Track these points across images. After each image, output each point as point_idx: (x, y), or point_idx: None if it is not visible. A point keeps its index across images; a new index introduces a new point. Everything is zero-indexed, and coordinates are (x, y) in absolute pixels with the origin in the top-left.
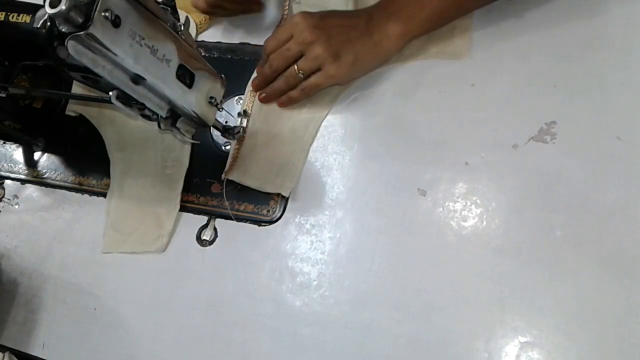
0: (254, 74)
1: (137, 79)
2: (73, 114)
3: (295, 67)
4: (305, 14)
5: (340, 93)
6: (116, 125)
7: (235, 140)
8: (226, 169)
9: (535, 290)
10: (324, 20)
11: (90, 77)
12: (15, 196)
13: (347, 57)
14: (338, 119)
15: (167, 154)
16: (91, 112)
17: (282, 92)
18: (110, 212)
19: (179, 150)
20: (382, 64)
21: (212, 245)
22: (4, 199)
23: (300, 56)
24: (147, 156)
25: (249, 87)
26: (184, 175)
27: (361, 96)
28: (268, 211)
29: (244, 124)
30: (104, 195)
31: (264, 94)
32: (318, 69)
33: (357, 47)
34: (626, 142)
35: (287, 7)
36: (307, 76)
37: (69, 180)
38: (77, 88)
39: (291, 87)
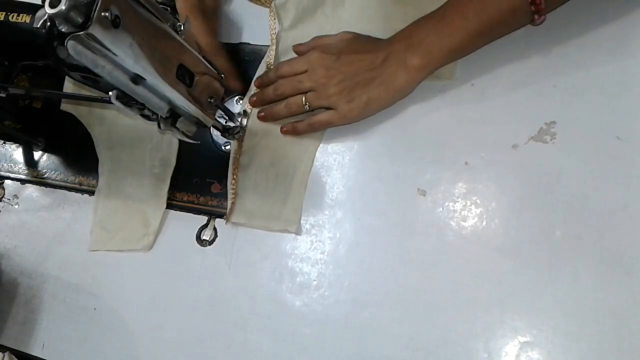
0: (258, 72)
1: (137, 79)
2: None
3: (304, 98)
4: (323, 53)
5: None
6: (105, 124)
7: (232, 162)
8: (227, 210)
9: (535, 290)
10: (340, 59)
11: (90, 77)
12: (15, 196)
13: (360, 99)
14: None
15: (155, 153)
16: (81, 111)
17: (281, 117)
18: (97, 210)
19: (166, 150)
20: (399, 99)
21: (212, 245)
22: (4, 199)
23: (309, 90)
24: (135, 155)
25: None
26: (170, 174)
27: None
28: None
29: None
30: None
31: (262, 113)
32: (328, 107)
33: (371, 89)
34: (626, 142)
35: (274, 36)
36: (312, 109)
37: (68, 180)
38: (68, 85)
39: (292, 114)
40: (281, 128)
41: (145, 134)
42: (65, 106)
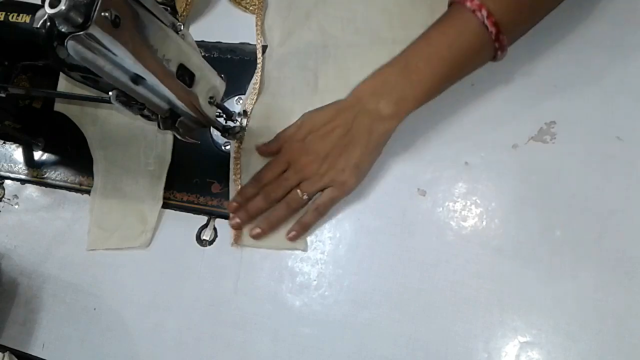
0: (232, 200)
1: (136, 79)
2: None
3: (299, 191)
4: (295, 142)
5: None
6: (98, 123)
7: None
8: (233, 234)
9: (535, 290)
10: (312, 141)
11: (90, 77)
12: (15, 196)
13: (348, 167)
14: None
15: (149, 150)
16: (73, 111)
17: (283, 219)
18: (93, 209)
19: (161, 147)
20: (384, 144)
21: (212, 245)
22: (4, 199)
23: (300, 181)
24: (130, 153)
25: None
26: (166, 171)
27: None
28: None
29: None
30: None
31: (258, 230)
32: (324, 187)
33: (355, 151)
34: (626, 142)
35: (259, 67)
36: (311, 197)
37: (69, 180)
38: (62, 83)
39: (295, 212)
40: (288, 236)
41: (139, 132)
42: (58, 106)
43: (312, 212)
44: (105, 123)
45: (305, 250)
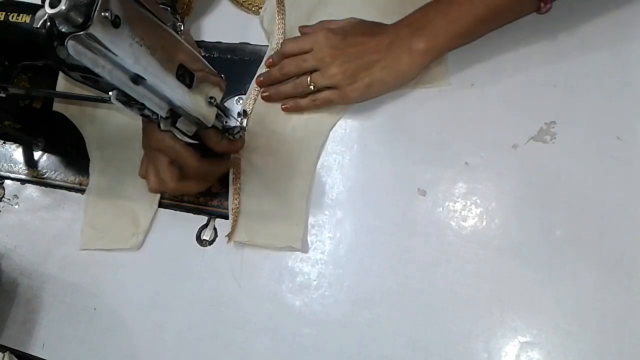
0: (259, 71)
1: (137, 79)
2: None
3: (308, 78)
4: (329, 32)
5: (347, 109)
6: (96, 124)
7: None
8: (230, 229)
9: (535, 290)
10: (346, 39)
11: (90, 77)
12: (15, 196)
13: (363, 81)
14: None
15: None
16: (72, 111)
17: (287, 96)
18: (87, 209)
19: None
20: (402, 84)
21: (212, 245)
22: (4, 199)
23: (314, 69)
24: (126, 155)
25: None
26: None
27: None
28: None
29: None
30: None
31: (267, 93)
32: (331, 87)
33: (375, 71)
34: (626, 142)
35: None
36: (317, 89)
37: (68, 180)
38: (61, 83)
39: (298, 94)
40: (282, 105)
41: (136, 134)
42: (57, 106)
43: (309, 100)
44: (104, 124)
45: (304, 251)
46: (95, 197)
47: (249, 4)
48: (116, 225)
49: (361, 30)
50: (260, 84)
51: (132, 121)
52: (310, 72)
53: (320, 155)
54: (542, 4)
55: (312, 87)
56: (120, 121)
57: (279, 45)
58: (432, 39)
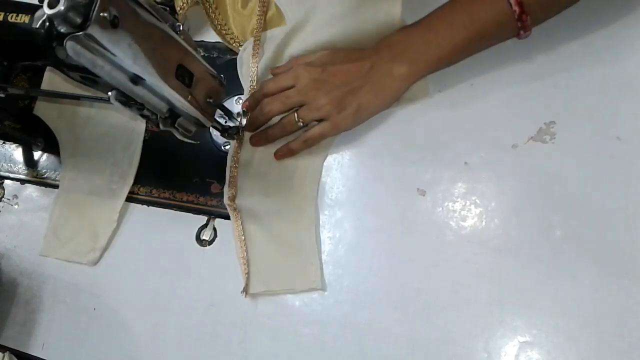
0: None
1: (136, 79)
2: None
3: (295, 115)
4: (307, 66)
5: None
6: (73, 131)
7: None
8: (244, 281)
9: (535, 290)
10: (326, 69)
11: (89, 78)
12: (15, 196)
13: (351, 107)
14: None
15: (115, 168)
16: (50, 115)
17: (277, 138)
18: (53, 216)
19: (126, 168)
20: (386, 107)
21: (211, 245)
22: (4, 199)
23: (300, 105)
24: (97, 167)
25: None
26: (126, 192)
27: None
28: None
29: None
30: None
31: (255, 139)
32: (320, 119)
33: (360, 96)
34: (626, 142)
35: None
36: (305, 124)
37: None
38: (46, 78)
39: (287, 134)
40: (275, 154)
41: (109, 148)
42: (38, 109)
43: (299, 141)
44: (81, 132)
45: (324, 289)
46: (62, 205)
47: (230, 38)
48: (77, 237)
49: (339, 58)
50: (246, 129)
51: (108, 132)
52: (296, 108)
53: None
54: (521, 32)
55: (300, 123)
56: (97, 132)
57: (253, 88)
58: (413, 65)
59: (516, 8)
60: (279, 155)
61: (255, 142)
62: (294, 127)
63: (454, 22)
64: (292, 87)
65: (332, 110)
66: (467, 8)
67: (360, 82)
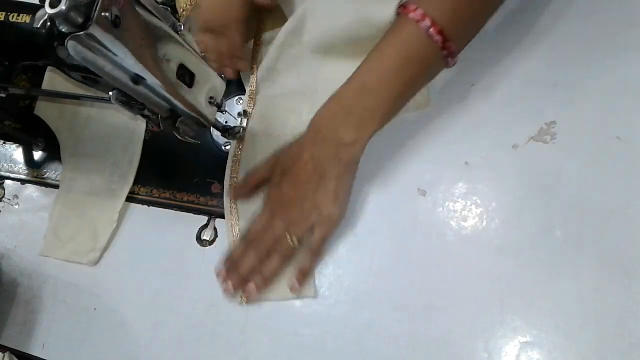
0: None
1: (137, 79)
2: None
3: (288, 236)
4: (270, 194)
5: None
6: (74, 131)
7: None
8: (244, 294)
9: (535, 290)
10: (285, 178)
11: (90, 77)
12: (15, 196)
13: (328, 196)
14: None
15: (114, 169)
16: (50, 115)
17: (278, 271)
18: (53, 216)
19: (126, 168)
20: (355, 168)
21: (212, 246)
22: (4, 199)
23: (287, 227)
24: (97, 167)
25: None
26: (126, 192)
27: None
28: None
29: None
30: None
31: (253, 287)
32: (311, 227)
33: (329, 182)
34: (626, 142)
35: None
36: (300, 241)
37: None
38: (47, 78)
39: (288, 260)
40: (290, 288)
41: (109, 149)
42: (39, 109)
43: (309, 256)
44: (81, 133)
45: (315, 296)
46: (62, 205)
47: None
48: (77, 237)
49: (288, 158)
50: (237, 283)
51: (108, 132)
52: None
53: None
54: (449, 60)
55: (296, 242)
56: (97, 132)
57: (254, 88)
58: (359, 127)
59: (438, 37)
60: (295, 289)
61: (252, 291)
62: (292, 249)
63: (385, 73)
64: (269, 220)
65: (317, 213)
66: (392, 52)
67: (319, 172)
